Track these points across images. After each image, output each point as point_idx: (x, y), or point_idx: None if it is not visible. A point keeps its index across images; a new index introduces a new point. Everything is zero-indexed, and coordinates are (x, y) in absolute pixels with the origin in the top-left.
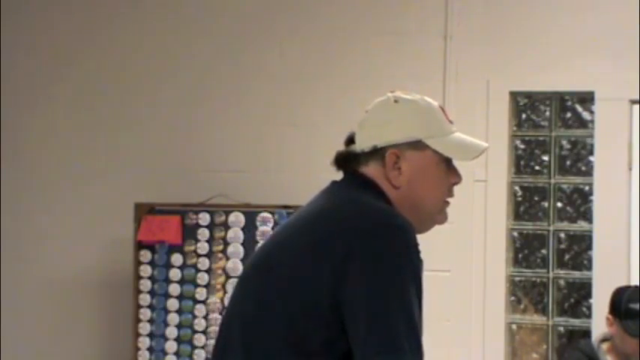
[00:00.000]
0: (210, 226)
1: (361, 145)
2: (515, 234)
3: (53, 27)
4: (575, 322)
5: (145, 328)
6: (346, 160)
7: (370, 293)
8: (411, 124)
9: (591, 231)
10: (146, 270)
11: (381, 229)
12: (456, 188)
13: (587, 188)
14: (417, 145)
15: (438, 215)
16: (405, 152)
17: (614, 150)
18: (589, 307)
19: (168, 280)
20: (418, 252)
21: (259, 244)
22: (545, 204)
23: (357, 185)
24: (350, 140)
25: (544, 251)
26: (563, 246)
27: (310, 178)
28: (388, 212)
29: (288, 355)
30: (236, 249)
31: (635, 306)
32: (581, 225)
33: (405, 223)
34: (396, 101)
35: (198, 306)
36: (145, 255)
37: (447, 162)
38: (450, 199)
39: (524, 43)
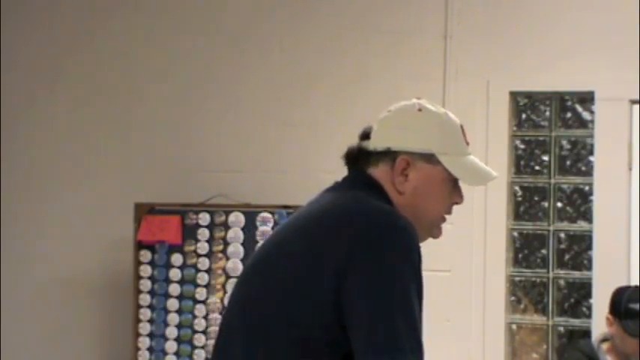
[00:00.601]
0: (210, 226)
1: (375, 143)
2: (515, 234)
3: (53, 27)
4: (575, 322)
5: (145, 328)
6: (357, 157)
7: (372, 293)
8: (429, 136)
9: (591, 231)
10: (146, 270)
11: (384, 230)
12: None
13: (587, 188)
14: (430, 158)
15: (435, 229)
16: (416, 162)
17: (614, 150)
18: (589, 307)
19: (168, 280)
20: (419, 253)
21: (259, 244)
22: (545, 204)
23: (361, 185)
24: (364, 135)
25: (544, 251)
26: (563, 246)
27: (310, 178)
28: (390, 213)
29: (290, 355)
30: (236, 249)
31: (635, 306)
32: (581, 225)
33: (407, 224)
34: (419, 110)
35: (198, 306)
36: (145, 255)
37: (454, 181)
38: (447, 217)
39: (525, 43)
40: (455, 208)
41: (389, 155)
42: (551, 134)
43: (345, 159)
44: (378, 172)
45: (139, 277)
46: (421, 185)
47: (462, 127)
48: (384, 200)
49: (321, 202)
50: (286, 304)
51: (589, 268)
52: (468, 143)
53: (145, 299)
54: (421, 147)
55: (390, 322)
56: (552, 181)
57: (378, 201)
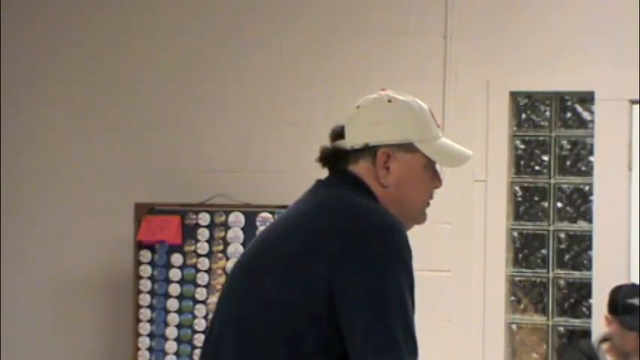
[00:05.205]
0: (210, 226)
1: (351, 141)
2: (515, 234)
3: (53, 27)
4: (575, 322)
5: (145, 328)
6: (335, 157)
7: (366, 293)
8: (405, 126)
9: (591, 231)
10: (146, 270)
11: (376, 229)
12: (456, 188)
13: (587, 188)
14: (409, 147)
15: (420, 216)
16: (396, 153)
17: (614, 150)
18: (589, 307)
19: (168, 280)
20: (410, 250)
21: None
22: (545, 204)
23: (347, 184)
24: (336, 135)
25: (544, 251)
26: (563, 246)
27: (311, 178)
28: (381, 212)
29: (282, 356)
30: (236, 249)
31: (633, 301)
32: (581, 225)
33: (398, 222)
34: (389, 101)
35: (198, 306)
36: (145, 255)
37: (433, 166)
38: (430, 201)
39: (525, 43)
40: (455, 207)
41: (368, 151)
42: (551, 134)
43: (321, 161)
44: (360, 169)
45: (139, 277)
46: (404, 176)
47: (430, 110)
48: (370, 198)
49: (309, 203)
50: (279, 305)
51: (589, 268)
52: (439, 126)
53: (145, 299)
54: (398, 138)
55: (385, 321)
56: (552, 181)
57: (365, 199)
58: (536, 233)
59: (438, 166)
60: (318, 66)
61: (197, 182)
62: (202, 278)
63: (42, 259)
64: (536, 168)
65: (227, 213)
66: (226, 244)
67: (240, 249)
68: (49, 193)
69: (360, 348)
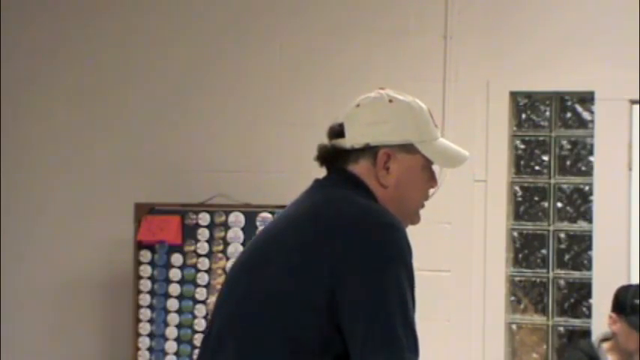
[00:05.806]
0: (210, 226)
1: (352, 140)
2: (515, 234)
3: (53, 25)
4: (575, 322)
5: (145, 328)
6: (334, 156)
7: (368, 293)
8: (406, 126)
9: (591, 231)
10: (146, 270)
11: (377, 229)
12: (456, 188)
13: (587, 188)
14: (409, 148)
15: (415, 216)
16: (396, 153)
17: (614, 150)
18: (589, 307)
19: (168, 280)
20: (411, 250)
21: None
22: (545, 204)
23: (346, 184)
24: (334, 133)
25: (544, 251)
26: (563, 246)
27: (310, 178)
28: (381, 211)
29: (282, 355)
30: (236, 249)
31: None
32: (581, 225)
33: (398, 221)
34: (390, 101)
35: (198, 306)
36: (145, 255)
37: (430, 166)
38: (425, 202)
39: (525, 43)
40: (455, 207)
41: (368, 151)
42: (551, 134)
43: (319, 159)
44: (359, 168)
45: (139, 277)
46: (403, 176)
47: (429, 110)
48: (370, 198)
49: (308, 203)
50: (280, 304)
51: (589, 268)
52: (437, 126)
53: (145, 299)
54: (399, 138)
55: (389, 321)
56: (552, 181)
57: (365, 199)
58: (536, 233)
59: (435, 167)
60: (318, 66)
61: (197, 182)
62: (202, 278)
63: (42, 259)
64: (536, 168)
65: (227, 213)
66: (226, 244)
67: (240, 249)
68: (48, 193)
69: (361, 347)
